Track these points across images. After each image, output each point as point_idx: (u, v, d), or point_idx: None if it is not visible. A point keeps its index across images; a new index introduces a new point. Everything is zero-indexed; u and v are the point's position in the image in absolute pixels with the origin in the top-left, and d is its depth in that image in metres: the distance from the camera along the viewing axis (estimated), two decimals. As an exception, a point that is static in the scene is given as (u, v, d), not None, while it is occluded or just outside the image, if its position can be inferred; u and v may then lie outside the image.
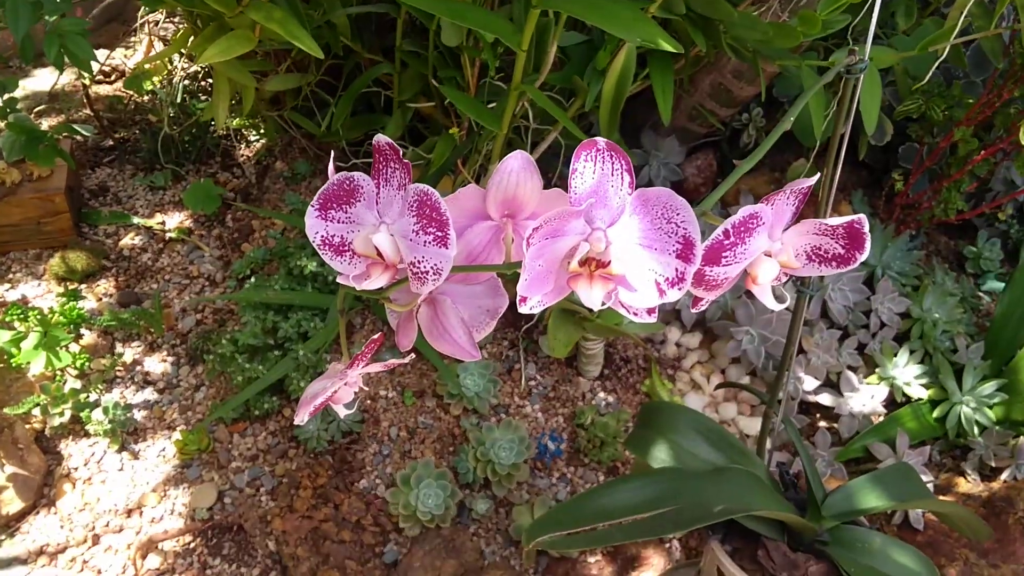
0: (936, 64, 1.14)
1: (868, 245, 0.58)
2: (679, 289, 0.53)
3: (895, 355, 1.40)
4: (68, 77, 1.99)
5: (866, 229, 0.58)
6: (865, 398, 1.37)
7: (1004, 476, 1.33)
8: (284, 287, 1.35)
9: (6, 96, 1.50)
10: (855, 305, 1.44)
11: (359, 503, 1.21)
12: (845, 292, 1.42)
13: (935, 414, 1.37)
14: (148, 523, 1.23)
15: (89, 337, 1.42)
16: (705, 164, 1.64)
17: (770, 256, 0.58)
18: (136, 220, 1.59)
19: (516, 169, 0.58)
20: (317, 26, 1.32)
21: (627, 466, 1.32)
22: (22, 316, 1.28)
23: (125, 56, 2.09)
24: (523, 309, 0.53)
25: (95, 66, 1.98)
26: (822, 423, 1.41)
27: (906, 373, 1.39)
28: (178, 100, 1.69)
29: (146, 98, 1.83)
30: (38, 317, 1.32)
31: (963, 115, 1.37)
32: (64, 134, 1.55)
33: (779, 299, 0.59)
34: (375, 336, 0.64)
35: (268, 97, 1.51)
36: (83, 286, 1.49)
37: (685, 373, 1.44)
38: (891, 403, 1.41)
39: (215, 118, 1.33)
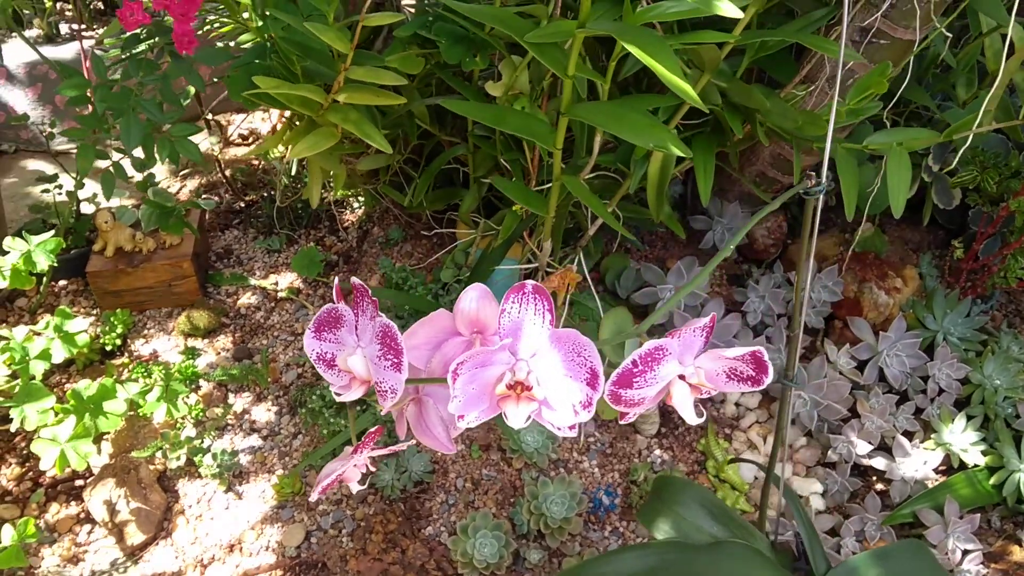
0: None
1: (771, 370, 0.66)
2: (588, 411, 0.63)
3: (952, 420, 1.41)
4: (207, 143, 2.24)
5: (766, 358, 0.66)
6: (918, 463, 1.40)
7: (1061, 547, 1.33)
8: (368, 348, 1.50)
9: (146, 172, 1.74)
10: (913, 370, 1.46)
11: (423, 549, 1.35)
12: (901, 358, 1.45)
13: (992, 481, 1.38)
14: (246, 557, 1.41)
15: (206, 388, 1.62)
16: (775, 226, 1.70)
17: (683, 379, 0.67)
18: (253, 281, 1.80)
19: (474, 298, 0.70)
20: (399, 115, 1.49)
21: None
22: (146, 373, 1.49)
23: (263, 119, 2.33)
24: (461, 424, 0.65)
25: (234, 129, 2.23)
26: (879, 486, 1.44)
27: (963, 439, 1.40)
28: (292, 171, 1.89)
29: (274, 164, 2.05)
30: (162, 372, 1.53)
31: (1019, 186, 1.38)
32: (189, 207, 1.77)
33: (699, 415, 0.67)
34: (373, 428, 0.77)
35: (364, 172, 1.68)
36: (204, 341, 1.71)
37: (742, 433, 1.50)
38: (949, 469, 1.43)
39: (310, 198, 1.51)
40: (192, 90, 1.83)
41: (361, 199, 1.88)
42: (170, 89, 1.28)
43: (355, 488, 0.81)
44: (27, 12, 2.33)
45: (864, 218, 1.69)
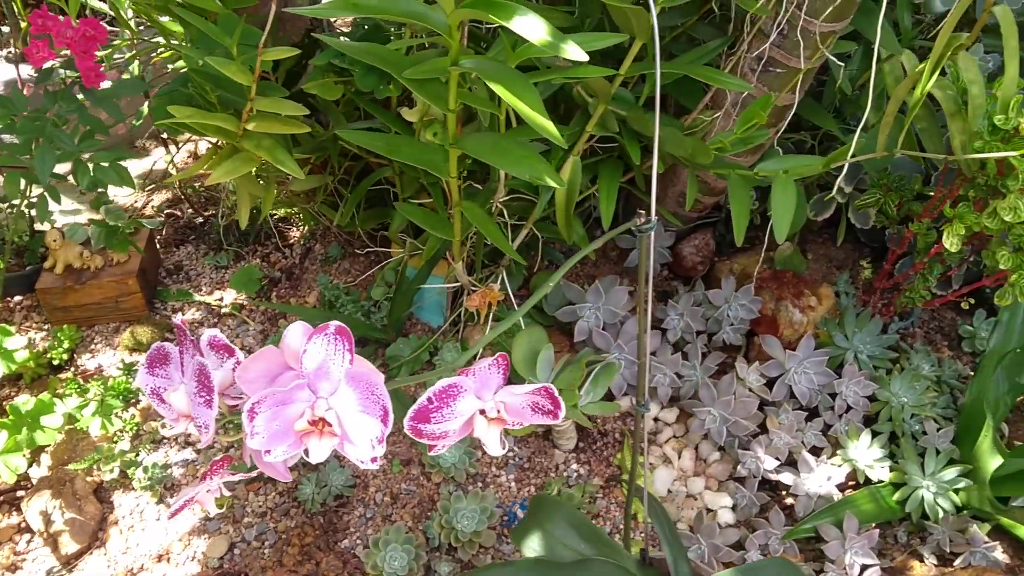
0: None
1: (563, 404, 0.70)
2: (383, 445, 0.68)
3: (859, 437, 1.45)
4: (173, 157, 2.29)
5: (556, 394, 0.70)
6: (821, 479, 1.43)
7: (958, 562, 1.36)
8: (296, 365, 1.55)
9: (99, 190, 1.79)
10: (821, 387, 1.50)
11: (337, 561, 1.39)
12: (810, 375, 1.49)
13: (896, 497, 1.42)
14: (172, 567, 1.46)
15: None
16: (703, 244, 1.74)
17: (483, 414, 0.71)
18: (198, 297, 1.85)
19: (299, 334, 0.75)
20: (324, 138, 1.53)
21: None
22: (80, 390, 1.55)
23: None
24: (268, 459, 0.69)
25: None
26: (788, 500, 1.47)
27: (868, 455, 1.43)
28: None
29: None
30: (101, 386, 1.59)
31: (921, 209, 1.41)
32: (135, 227, 1.83)
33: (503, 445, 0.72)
34: (219, 458, 0.82)
35: (302, 191, 1.73)
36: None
37: (658, 447, 1.54)
38: (859, 485, 1.46)
39: (239, 220, 1.56)
40: (144, 110, 1.90)
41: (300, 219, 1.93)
42: (88, 118, 1.34)
43: (212, 511, 0.86)
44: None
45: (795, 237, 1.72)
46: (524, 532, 1.06)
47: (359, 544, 1.43)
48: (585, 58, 0.92)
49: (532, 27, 0.91)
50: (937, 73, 1.18)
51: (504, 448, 0.72)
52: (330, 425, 0.68)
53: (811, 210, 1.64)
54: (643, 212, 0.87)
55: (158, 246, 2.01)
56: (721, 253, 1.74)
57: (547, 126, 0.98)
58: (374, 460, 0.70)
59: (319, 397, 0.69)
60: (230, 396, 0.80)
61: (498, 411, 0.71)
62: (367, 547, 1.42)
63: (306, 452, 0.69)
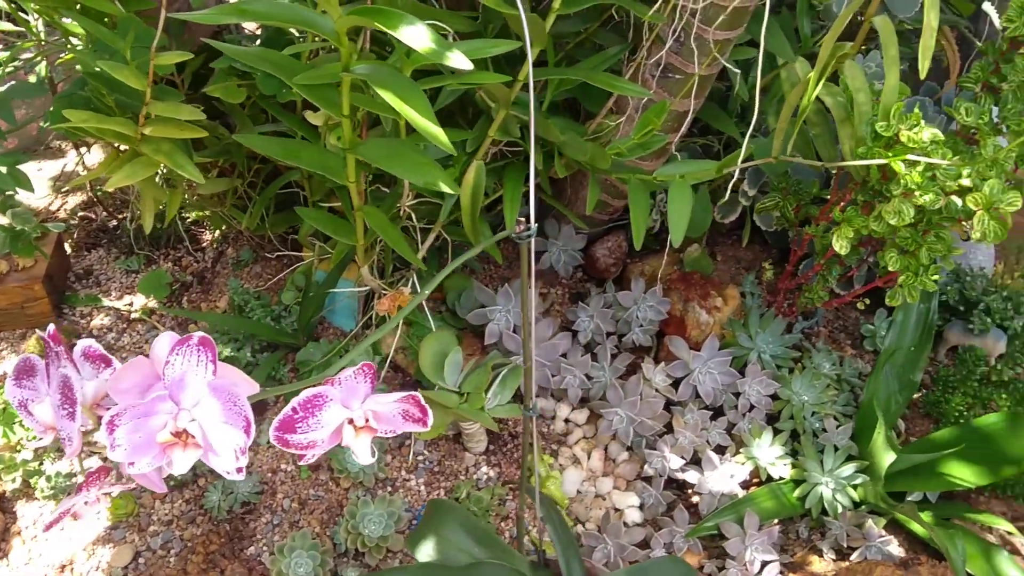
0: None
1: (430, 412, 0.71)
2: (246, 456, 0.68)
3: (762, 435, 1.48)
4: (83, 159, 2.25)
5: (423, 402, 0.71)
6: (725, 476, 1.46)
7: (854, 556, 1.40)
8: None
9: (7, 192, 1.75)
10: (726, 387, 1.53)
11: (243, 569, 1.38)
12: (714, 375, 1.51)
13: (796, 493, 1.45)
14: (75, 578, 1.44)
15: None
16: (615, 246, 1.76)
17: (351, 422, 0.72)
18: (106, 302, 1.82)
19: (165, 345, 0.74)
20: (230, 142, 1.52)
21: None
22: (-23, 399, 1.52)
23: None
24: (132, 471, 0.69)
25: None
26: (695, 499, 1.50)
27: (769, 453, 1.47)
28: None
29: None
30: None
31: (818, 212, 1.45)
32: (42, 232, 1.79)
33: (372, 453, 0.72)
34: (95, 469, 0.81)
35: (212, 194, 1.71)
36: (55, 363, 1.72)
37: (568, 448, 1.56)
38: (761, 482, 1.50)
39: (144, 224, 1.54)
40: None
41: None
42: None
43: (89, 523, 0.84)
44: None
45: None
46: (418, 537, 1.06)
47: (265, 551, 1.42)
48: (469, 67, 0.92)
49: (417, 36, 0.92)
50: (823, 81, 1.22)
51: (374, 456, 0.73)
52: (193, 437, 0.68)
53: (718, 212, 1.67)
54: (523, 220, 0.88)
55: (69, 250, 1.97)
56: (633, 255, 1.76)
57: (436, 133, 0.98)
58: (239, 471, 0.70)
59: (181, 409, 0.68)
60: (106, 407, 0.79)
61: (366, 420, 0.72)
62: (273, 554, 1.41)
63: (170, 462, 0.68)
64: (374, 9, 0.94)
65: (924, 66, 1.08)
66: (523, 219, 0.89)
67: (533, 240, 0.89)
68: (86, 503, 0.84)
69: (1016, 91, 1.41)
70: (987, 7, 1.72)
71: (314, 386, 0.70)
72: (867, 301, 1.49)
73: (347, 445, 0.72)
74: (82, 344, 0.81)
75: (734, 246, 1.79)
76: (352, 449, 0.73)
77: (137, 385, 0.78)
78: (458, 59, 0.92)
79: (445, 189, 1.08)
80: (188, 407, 0.68)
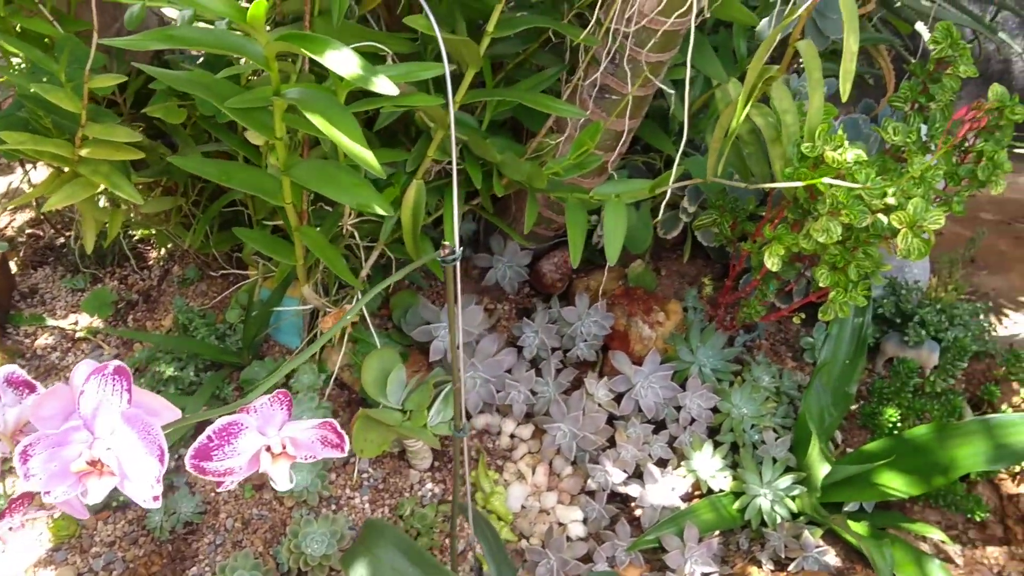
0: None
1: (347, 438, 0.72)
2: (160, 484, 0.68)
3: (702, 448, 1.50)
4: (29, 176, 2.23)
5: (339, 429, 0.72)
6: (666, 490, 1.48)
7: (791, 567, 1.42)
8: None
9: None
10: (667, 401, 1.55)
11: (184, 589, 1.38)
12: (655, 389, 1.53)
13: (736, 505, 1.47)
14: (15, 602, 1.42)
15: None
16: (561, 261, 1.77)
17: (269, 449, 0.72)
18: (51, 322, 1.81)
19: (84, 374, 0.75)
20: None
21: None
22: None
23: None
24: (48, 500, 0.69)
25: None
26: (637, 512, 1.52)
27: (710, 466, 1.49)
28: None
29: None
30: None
31: (754, 228, 1.48)
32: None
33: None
34: (19, 495, 0.81)
35: (154, 213, 1.70)
36: (-3, 384, 1.71)
37: (513, 464, 1.57)
38: (702, 495, 1.52)
39: (85, 244, 1.53)
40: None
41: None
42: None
43: (30, 545, 0.84)
44: None
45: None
46: (352, 558, 1.07)
47: (208, 571, 1.42)
48: (394, 92, 0.94)
49: (343, 61, 0.93)
50: (752, 102, 1.24)
51: (292, 482, 0.74)
52: (108, 466, 0.68)
53: (661, 228, 1.70)
54: (447, 244, 0.89)
55: (15, 268, 1.96)
56: (579, 270, 1.78)
57: (365, 157, 0.99)
58: (155, 499, 0.71)
59: (96, 438, 0.69)
60: (28, 433, 0.79)
61: (283, 447, 0.73)
62: (216, 574, 1.41)
63: (84, 491, 0.69)
64: (300, 35, 0.95)
65: (845, 89, 1.11)
66: (446, 244, 0.91)
67: (458, 264, 0.90)
68: (10, 529, 0.84)
69: (944, 110, 1.45)
70: (920, 27, 1.76)
71: (230, 414, 0.71)
72: (803, 316, 1.52)
73: (265, 472, 0.73)
74: (4, 370, 0.81)
75: (678, 260, 1.82)
76: (270, 476, 0.74)
77: (59, 412, 0.78)
78: (383, 84, 0.93)
79: (378, 211, 1.10)
80: (103, 436, 0.69)
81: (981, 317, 1.70)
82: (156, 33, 0.98)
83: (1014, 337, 1.96)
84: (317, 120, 1.00)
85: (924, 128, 1.45)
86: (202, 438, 0.70)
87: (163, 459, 0.68)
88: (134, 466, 0.69)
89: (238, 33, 1.01)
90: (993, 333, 1.92)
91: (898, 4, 1.75)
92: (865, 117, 1.70)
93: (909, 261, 1.70)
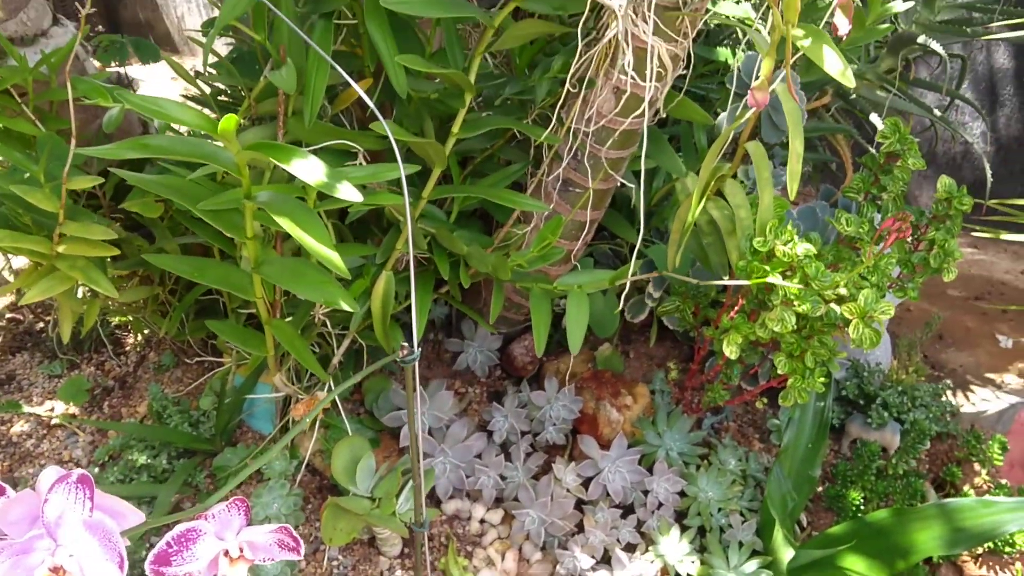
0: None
1: (302, 543, 0.74)
2: (121, 589, 0.70)
3: (669, 532, 1.52)
4: (10, 263, 2.27)
5: (294, 533, 0.74)
6: (634, 575, 1.49)
7: (759, 651, 1.43)
8: (119, 478, 1.54)
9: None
10: (635, 485, 1.57)
11: None
12: (623, 473, 1.56)
13: (703, 589, 1.49)
14: None
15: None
16: (532, 345, 1.81)
17: (227, 554, 0.75)
18: (27, 408, 1.82)
19: (50, 479, 0.77)
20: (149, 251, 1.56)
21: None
22: None
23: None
24: (8, 606, 0.71)
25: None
26: (607, 597, 1.53)
27: (677, 550, 1.50)
28: (77, 297, 1.93)
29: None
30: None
31: (716, 314, 1.52)
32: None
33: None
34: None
35: (131, 301, 1.73)
36: (-29, 471, 1.72)
37: (483, 550, 1.58)
38: (671, 578, 1.53)
39: (62, 334, 1.56)
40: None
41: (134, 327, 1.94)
42: None
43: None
44: None
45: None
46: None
47: (176, 663, 1.41)
48: (358, 198, 0.98)
49: (309, 169, 0.97)
50: (706, 197, 1.30)
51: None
52: (69, 573, 0.70)
53: (628, 312, 1.74)
54: (405, 345, 0.93)
55: (-8, 354, 1.98)
56: (549, 352, 1.82)
57: (331, 258, 1.03)
58: (115, 603, 0.73)
59: (59, 545, 0.71)
60: (-3, 536, 0.81)
61: (241, 551, 0.75)
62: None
63: (46, 599, 0.71)
64: (269, 145, 1.00)
65: (793, 188, 1.16)
66: (405, 344, 0.94)
67: (416, 363, 0.94)
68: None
69: (895, 200, 1.51)
70: (874, 118, 1.83)
71: (189, 520, 0.73)
72: (765, 400, 1.55)
73: (224, 572, 0.75)
74: (-28, 475, 0.83)
75: (646, 342, 1.86)
76: (228, 577, 0.76)
77: (25, 517, 0.81)
78: (347, 191, 0.98)
79: (345, 307, 1.13)
80: (66, 544, 0.71)
81: (943, 398, 1.73)
82: (132, 142, 1.02)
83: (981, 414, 2.00)
84: (285, 223, 1.04)
85: (878, 217, 1.51)
86: (161, 544, 0.73)
87: (123, 565, 0.70)
88: (96, 572, 0.71)
89: (210, 142, 1.06)
90: (960, 410, 1.97)
91: (853, 96, 1.83)
92: (825, 204, 1.76)
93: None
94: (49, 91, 1.42)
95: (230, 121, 0.93)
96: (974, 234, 2.30)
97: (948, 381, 2.03)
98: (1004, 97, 2.54)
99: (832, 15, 1.00)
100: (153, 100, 0.99)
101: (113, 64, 1.77)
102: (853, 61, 1.70)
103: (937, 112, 1.94)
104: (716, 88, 1.73)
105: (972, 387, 2.16)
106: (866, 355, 1.79)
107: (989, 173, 1.95)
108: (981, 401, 2.10)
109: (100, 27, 3.69)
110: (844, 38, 1.02)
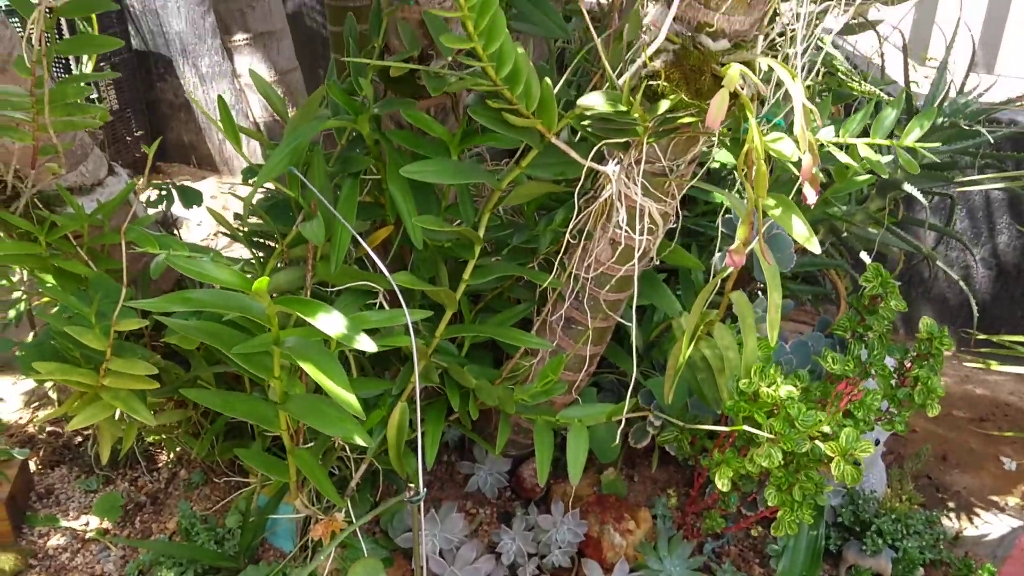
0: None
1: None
2: None
3: (670, 657, 1.58)
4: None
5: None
6: None
7: None
8: (147, 595, 1.64)
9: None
10: (638, 610, 1.63)
11: None
12: (625, 598, 1.63)
13: None
14: None
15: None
16: (541, 467, 1.90)
17: None
18: (63, 523, 1.93)
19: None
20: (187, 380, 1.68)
21: None
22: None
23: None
24: None
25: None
26: None
27: (677, 675, 1.56)
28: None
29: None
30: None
31: (712, 444, 1.61)
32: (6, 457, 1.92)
33: None
34: None
35: (165, 423, 1.85)
36: (8, 584, 1.82)
37: (491, 669, 1.64)
38: None
39: (101, 454, 1.68)
40: (29, 338, 2.04)
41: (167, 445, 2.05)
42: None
43: None
44: None
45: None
46: None
47: None
48: (373, 348, 1.10)
49: (331, 323, 1.10)
50: (696, 339, 1.40)
51: None
52: None
53: (632, 438, 1.83)
54: (412, 486, 1.03)
55: (34, 467, 2.10)
56: (557, 475, 1.90)
57: (349, 400, 1.15)
58: None
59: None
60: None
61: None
62: None
63: None
64: (296, 300, 1.13)
65: (773, 336, 1.27)
66: (411, 485, 1.05)
67: (422, 503, 1.04)
68: None
69: (880, 338, 1.61)
70: (863, 256, 1.95)
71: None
72: (760, 529, 1.62)
73: None
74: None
75: (650, 467, 1.94)
76: None
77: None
78: (364, 342, 1.10)
79: (360, 442, 1.24)
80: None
81: (937, 525, 1.79)
82: (176, 297, 1.15)
83: (982, 538, 2.05)
84: (308, 367, 1.16)
85: (865, 353, 1.60)
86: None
87: None
88: None
89: (245, 296, 1.19)
90: (964, 533, 2.02)
91: (845, 235, 1.95)
92: (820, 335, 1.86)
93: (867, 471, 1.82)
94: (102, 235, 1.58)
95: (262, 283, 1.06)
96: (966, 364, 2.38)
97: (951, 504, 2.08)
98: (1000, 225, 2.65)
99: (801, 187, 1.12)
100: (196, 262, 1.13)
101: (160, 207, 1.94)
102: (840, 205, 1.82)
103: (931, 242, 2.05)
104: (715, 227, 1.85)
105: (976, 509, 2.21)
106: (862, 483, 1.86)
107: (975, 308, 2.04)
108: (984, 524, 2.15)
109: (145, 147, 3.93)
110: (812, 207, 1.14)
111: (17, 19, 2.74)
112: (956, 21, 2.03)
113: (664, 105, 1.13)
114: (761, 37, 1.13)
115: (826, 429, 1.36)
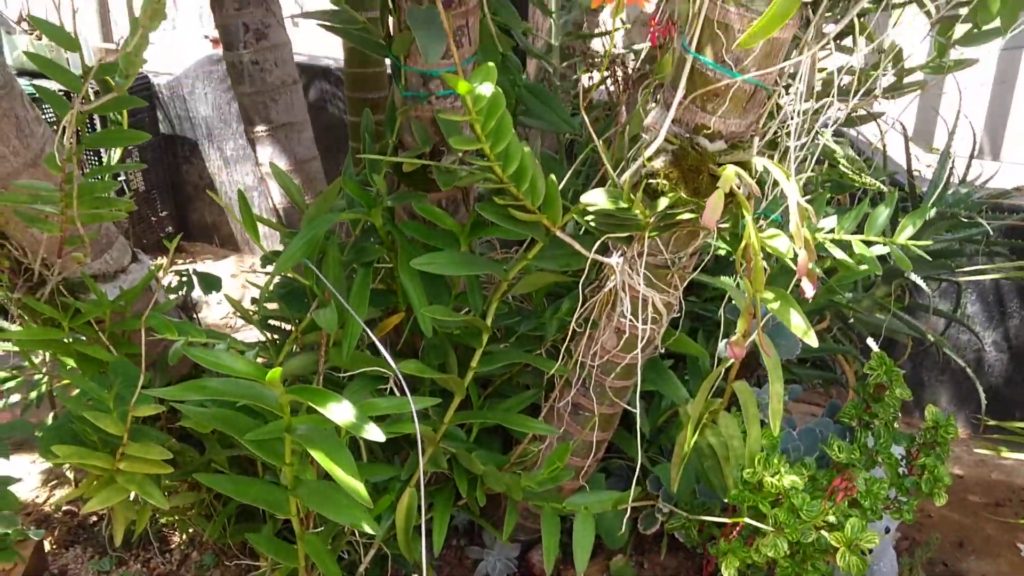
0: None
1: None
2: None
3: None
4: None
5: None
6: None
7: None
8: None
9: (-6, 497, 1.92)
10: None
11: None
12: None
13: None
14: None
15: None
16: (551, 552, 1.90)
17: None
18: (75, 605, 1.94)
19: None
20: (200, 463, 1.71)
21: None
22: None
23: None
24: None
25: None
26: None
27: None
28: (130, 495, 2.08)
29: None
30: None
31: (720, 532, 1.61)
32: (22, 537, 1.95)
33: None
34: None
35: (178, 505, 1.88)
36: (18, 666, 1.82)
37: None
38: None
39: (114, 537, 1.70)
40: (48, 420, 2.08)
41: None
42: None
43: None
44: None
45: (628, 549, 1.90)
46: None
47: None
48: (381, 438, 1.13)
49: (340, 412, 1.13)
50: (701, 427, 1.42)
51: None
52: None
53: (641, 524, 1.83)
54: (420, 571, 1.05)
55: (48, 547, 2.11)
56: (566, 560, 1.90)
57: (356, 488, 1.17)
58: None
59: None
60: None
61: None
62: None
63: None
64: (309, 389, 1.16)
65: (775, 424, 1.29)
66: (419, 572, 1.06)
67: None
68: None
69: (886, 426, 1.62)
70: (870, 342, 1.97)
71: None
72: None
73: None
74: None
75: (660, 553, 1.94)
76: None
77: None
78: (372, 431, 1.13)
79: (368, 530, 1.26)
80: None
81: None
82: (192, 385, 1.19)
83: (1001, 629, 2.02)
84: (318, 456, 1.19)
85: (871, 441, 1.61)
86: None
87: None
88: None
89: (258, 384, 1.23)
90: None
91: (851, 320, 1.97)
92: (829, 421, 1.87)
93: (878, 559, 1.81)
94: (124, 321, 1.63)
95: (275, 373, 1.10)
96: (976, 451, 2.37)
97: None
98: (1012, 309, 2.66)
99: (799, 281, 1.15)
100: (212, 352, 1.17)
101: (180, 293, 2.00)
102: (844, 293, 1.85)
103: (942, 327, 2.07)
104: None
105: (994, 599, 2.18)
106: (873, 571, 1.84)
107: (983, 395, 2.05)
108: (1003, 615, 2.12)
109: (170, 228, 4.03)
110: (812, 298, 1.16)
111: (48, 106, 2.85)
112: (956, 111, 2.08)
113: (664, 202, 1.17)
114: (757, 138, 1.18)
115: (831, 519, 1.36)
